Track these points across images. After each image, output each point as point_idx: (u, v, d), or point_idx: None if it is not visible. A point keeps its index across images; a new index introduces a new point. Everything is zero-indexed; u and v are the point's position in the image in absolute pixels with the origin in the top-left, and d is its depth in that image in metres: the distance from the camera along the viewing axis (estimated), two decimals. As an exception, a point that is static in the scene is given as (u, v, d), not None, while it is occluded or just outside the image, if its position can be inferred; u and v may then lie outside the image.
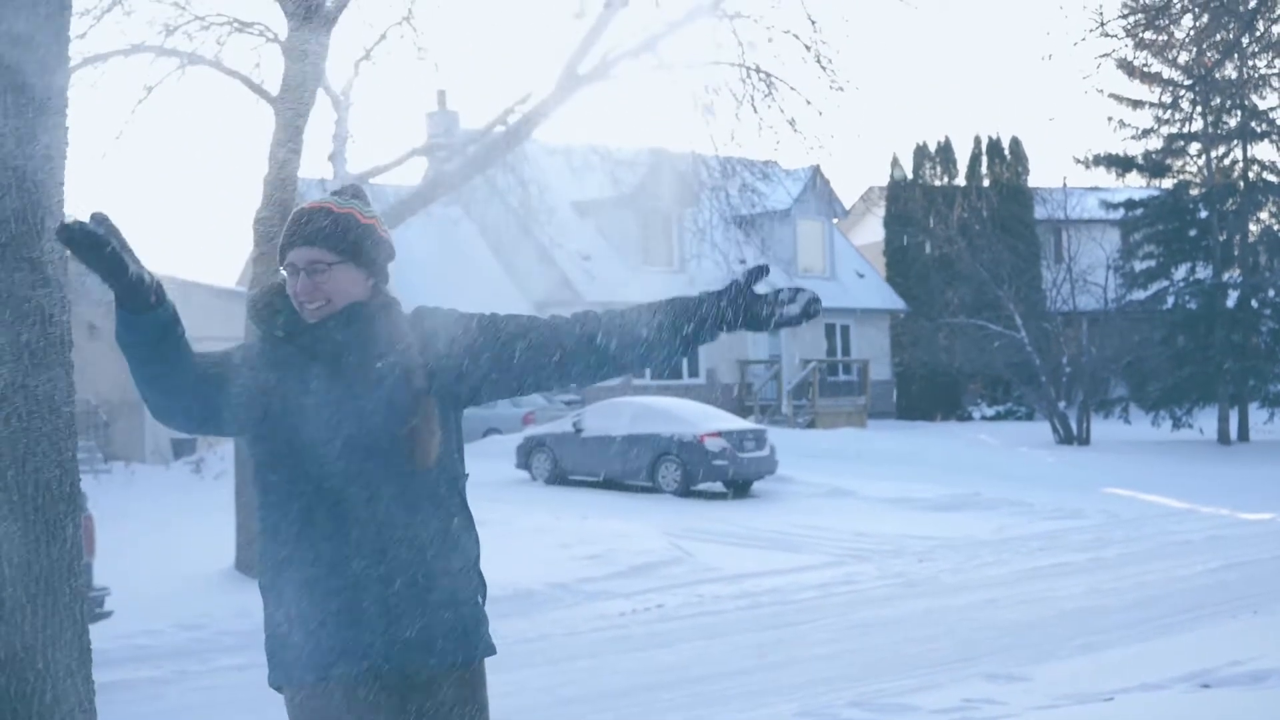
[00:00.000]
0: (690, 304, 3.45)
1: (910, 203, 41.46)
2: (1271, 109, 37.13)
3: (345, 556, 3.39)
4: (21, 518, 3.99)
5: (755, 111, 17.18)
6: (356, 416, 3.44)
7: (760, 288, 3.44)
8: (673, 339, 3.45)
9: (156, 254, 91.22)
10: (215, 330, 26.87)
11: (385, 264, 3.64)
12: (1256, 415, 36.84)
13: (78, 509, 4.17)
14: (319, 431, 3.44)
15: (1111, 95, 36.91)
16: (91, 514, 9.80)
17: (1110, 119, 37.72)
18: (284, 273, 3.58)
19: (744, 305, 3.42)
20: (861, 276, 43.13)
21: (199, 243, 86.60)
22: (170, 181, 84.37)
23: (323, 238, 3.53)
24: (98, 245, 3.13)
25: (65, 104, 4.21)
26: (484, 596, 3.58)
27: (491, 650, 3.57)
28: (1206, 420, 35.92)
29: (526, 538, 16.29)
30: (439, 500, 3.48)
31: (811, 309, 3.41)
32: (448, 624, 3.45)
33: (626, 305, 3.50)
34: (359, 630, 3.39)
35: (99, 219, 3.13)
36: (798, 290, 3.42)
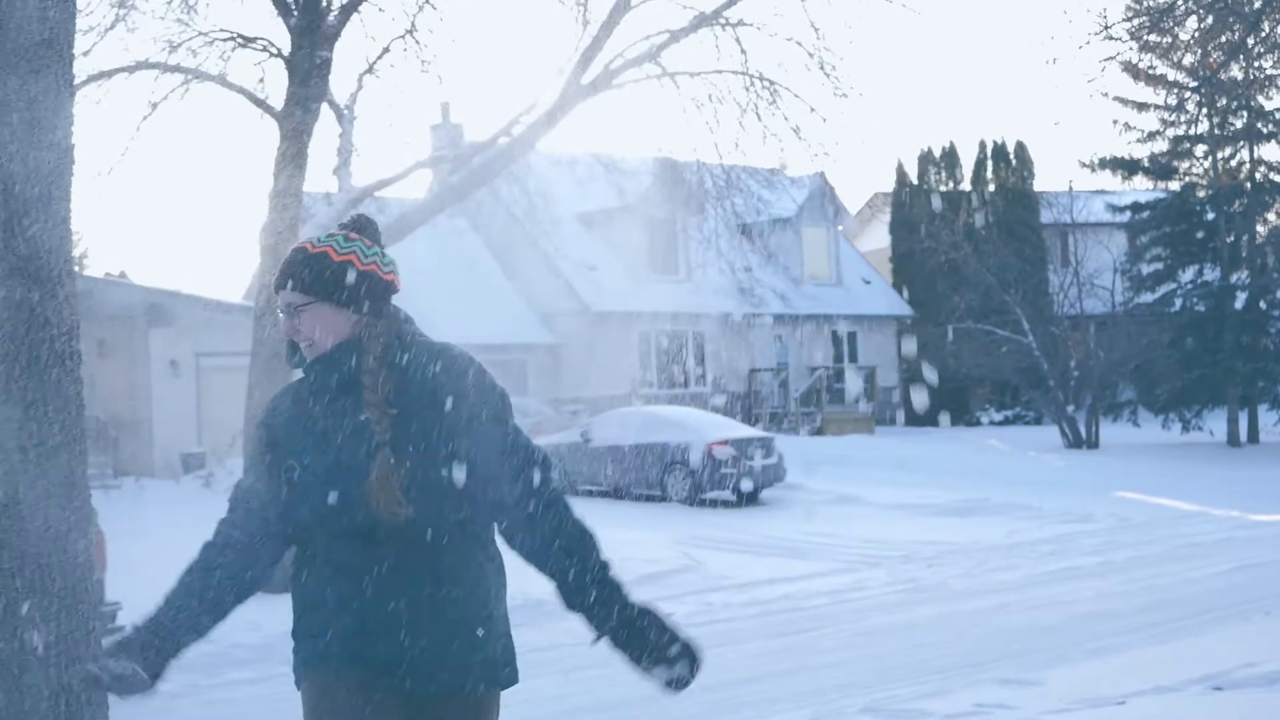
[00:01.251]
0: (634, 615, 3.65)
1: (916, 208, 41.44)
2: (1278, 109, 37.11)
3: (360, 575, 3.45)
4: (33, 535, 4.00)
5: (759, 119, 17.22)
6: (341, 460, 3.48)
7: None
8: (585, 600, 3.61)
9: (163, 270, 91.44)
10: (221, 345, 26.97)
11: (373, 297, 3.57)
12: (1266, 417, 36.82)
13: (89, 524, 4.17)
14: (319, 466, 3.52)
15: (1116, 98, 36.97)
16: (102, 530, 9.81)
17: (1115, 122, 37.78)
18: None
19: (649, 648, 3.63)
20: (868, 283, 43.12)
21: (205, 258, 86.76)
22: (176, 197, 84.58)
23: (295, 279, 3.54)
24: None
25: (71, 121, 4.22)
26: (485, 629, 3.53)
27: (504, 683, 3.58)
28: (1216, 422, 35.88)
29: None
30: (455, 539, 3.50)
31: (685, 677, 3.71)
32: (457, 650, 3.47)
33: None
34: (373, 639, 3.44)
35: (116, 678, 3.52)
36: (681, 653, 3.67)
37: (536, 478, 3.50)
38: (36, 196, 4.07)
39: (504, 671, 3.58)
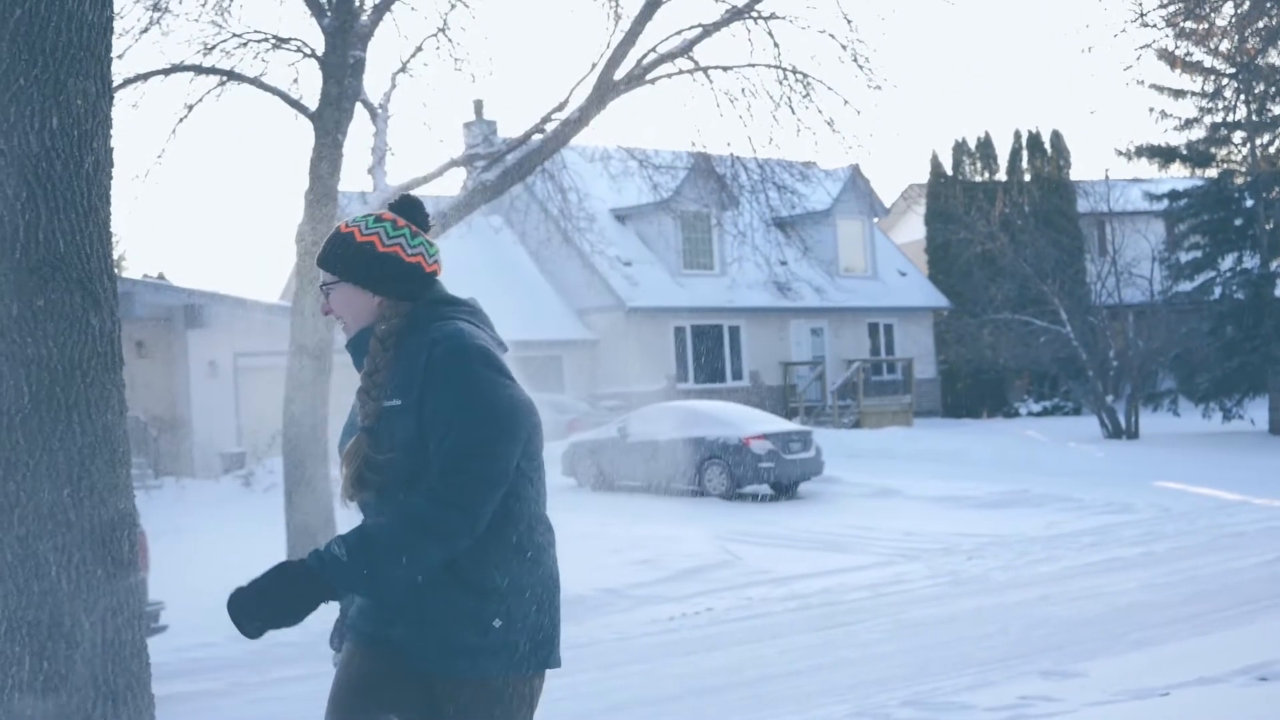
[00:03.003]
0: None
1: (951, 200, 41.29)
2: (1316, 95, 36.78)
3: None
4: (78, 535, 4.03)
5: (793, 112, 17.18)
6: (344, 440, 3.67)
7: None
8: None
9: (201, 271, 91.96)
10: (259, 345, 27.10)
11: (395, 280, 3.65)
12: (1308, 404, 36.49)
13: (133, 525, 4.21)
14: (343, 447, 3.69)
15: (1153, 86, 36.69)
16: (144, 529, 9.87)
17: (1152, 110, 37.45)
18: None
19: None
20: (904, 275, 43.03)
21: (242, 259, 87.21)
22: (212, 198, 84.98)
23: (323, 258, 3.71)
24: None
25: (109, 123, 4.25)
26: (502, 621, 3.52)
27: (490, 673, 3.53)
28: (1257, 411, 35.60)
29: (575, 544, 16.23)
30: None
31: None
32: (433, 634, 3.52)
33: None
34: (373, 613, 3.63)
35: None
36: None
37: (443, 472, 3.44)
38: (76, 199, 4.10)
39: (514, 657, 3.55)
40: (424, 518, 3.39)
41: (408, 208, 3.74)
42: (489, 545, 3.50)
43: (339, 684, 3.67)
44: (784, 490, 23.61)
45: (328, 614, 3.78)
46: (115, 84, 10.69)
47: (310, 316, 14.75)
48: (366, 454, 3.53)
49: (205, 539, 17.17)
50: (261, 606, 3.44)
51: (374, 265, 3.63)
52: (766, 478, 23.25)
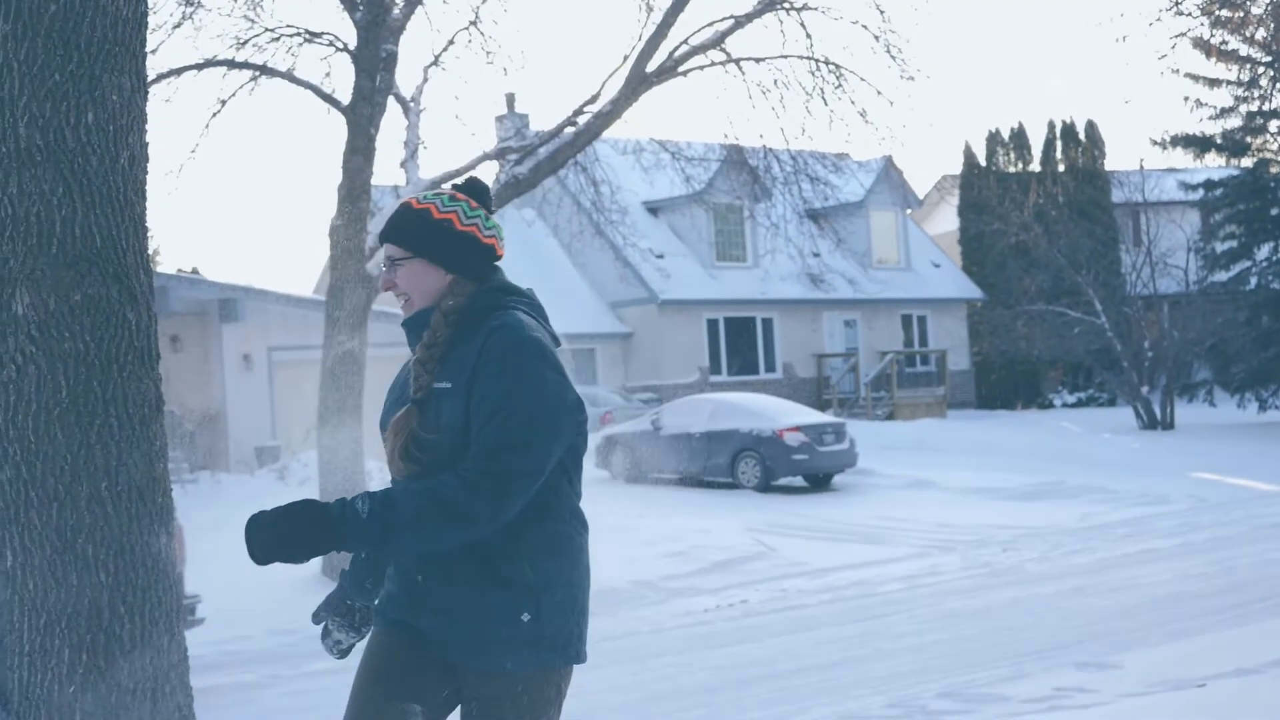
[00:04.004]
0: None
1: (985, 190, 41.13)
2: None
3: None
4: (116, 529, 4.05)
5: (825, 104, 17.15)
6: (390, 415, 3.64)
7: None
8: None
9: (234, 265, 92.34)
10: (293, 339, 27.19)
11: (470, 259, 3.63)
12: (1345, 395, 36.22)
13: (170, 518, 4.23)
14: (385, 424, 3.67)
15: (1188, 75, 36.43)
16: (181, 523, 9.92)
17: (1187, 99, 37.21)
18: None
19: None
20: (937, 266, 42.91)
21: (275, 253, 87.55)
22: (245, 193, 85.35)
23: (395, 234, 3.62)
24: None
25: (144, 119, 4.27)
26: (531, 615, 3.51)
27: (518, 666, 3.53)
28: (1293, 401, 35.38)
29: (608, 536, 16.30)
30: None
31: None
32: (461, 625, 3.53)
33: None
34: (402, 601, 3.64)
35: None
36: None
37: (477, 458, 3.43)
38: (112, 194, 4.12)
39: (542, 652, 3.54)
40: (451, 499, 3.36)
41: (477, 190, 3.70)
42: (522, 539, 3.49)
43: (363, 672, 3.67)
44: (818, 482, 23.58)
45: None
46: (149, 79, 10.75)
47: (345, 310, 14.81)
48: (414, 429, 3.50)
49: (241, 533, 17.21)
50: (274, 537, 3.43)
51: (451, 243, 3.60)
52: (800, 470, 23.23)
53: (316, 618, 3.94)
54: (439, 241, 3.59)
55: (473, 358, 3.48)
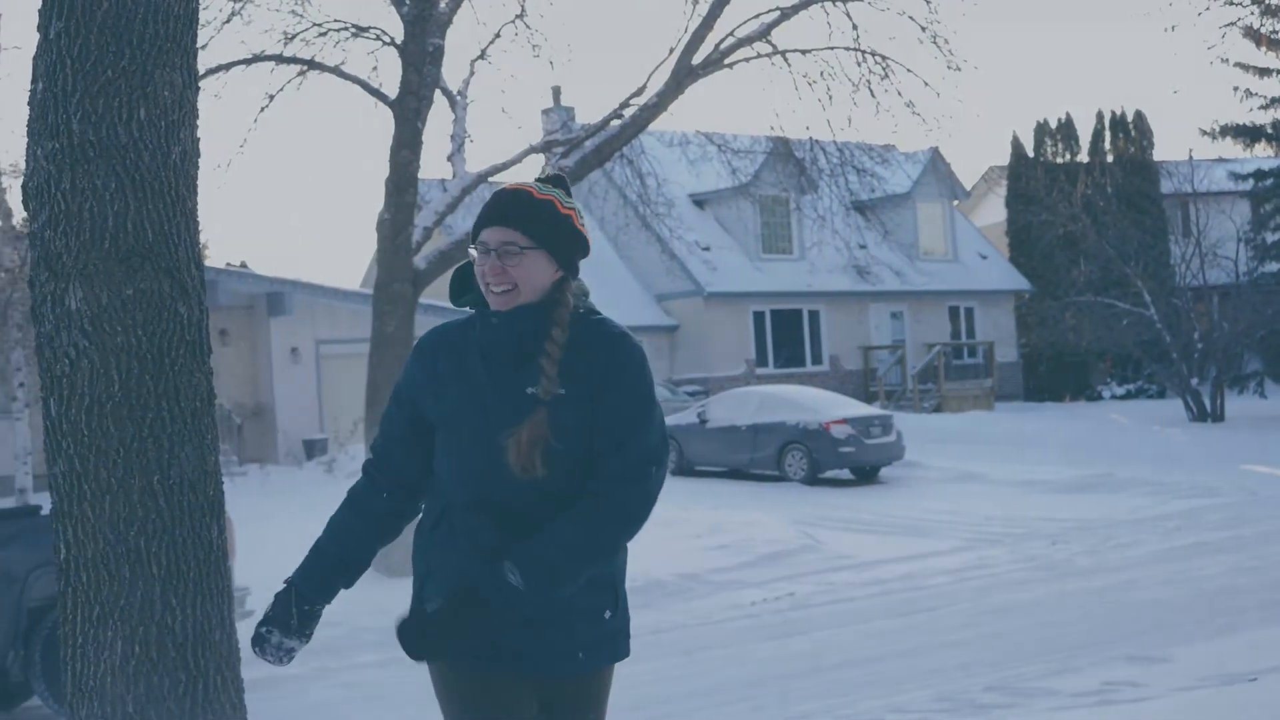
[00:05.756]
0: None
1: (1032, 181, 40.89)
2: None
3: (485, 550, 3.38)
4: (168, 522, 4.08)
5: (872, 95, 17.09)
6: (500, 414, 3.40)
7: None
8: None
9: (282, 259, 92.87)
10: (340, 332, 27.35)
11: (576, 259, 3.53)
12: (1398, 386, 35.90)
13: (221, 511, 4.26)
14: (476, 421, 3.43)
15: (1237, 64, 36.13)
16: (231, 516, 9.99)
17: (1236, 89, 36.91)
18: (473, 252, 3.48)
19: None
20: (984, 258, 42.69)
21: (323, 246, 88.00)
22: (293, 187, 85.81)
23: (519, 220, 3.44)
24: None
25: (196, 114, 4.30)
26: (611, 611, 3.50)
27: (602, 663, 3.53)
28: (1346, 393, 35.07)
29: (656, 529, 16.18)
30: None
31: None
32: (555, 635, 3.43)
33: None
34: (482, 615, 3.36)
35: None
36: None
37: (625, 467, 3.37)
38: (164, 189, 4.16)
39: (619, 645, 3.56)
40: (610, 536, 3.37)
41: (562, 184, 3.60)
42: None
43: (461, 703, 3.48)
44: (865, 475, 23.54)
45: (404, 599, 3.75)
46: (199, 75, 10.82)
47: (392, 302, 14.87)
48: (546, 436, 3.36)
49: (289, 525, 17.29)
50: (438, 645, 3.37)
51: (571, 240, 3.51)
52: (847, 462, 23.18)
53: (262, 636, 3.62)
54: (562, 236, 3.48)
55: (596, 367, 3.39)
